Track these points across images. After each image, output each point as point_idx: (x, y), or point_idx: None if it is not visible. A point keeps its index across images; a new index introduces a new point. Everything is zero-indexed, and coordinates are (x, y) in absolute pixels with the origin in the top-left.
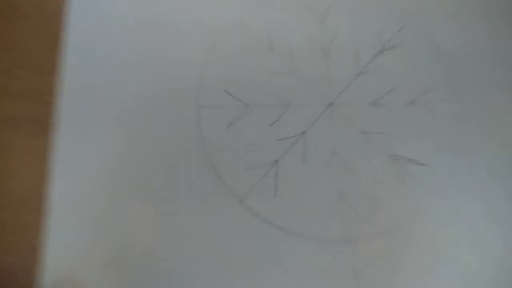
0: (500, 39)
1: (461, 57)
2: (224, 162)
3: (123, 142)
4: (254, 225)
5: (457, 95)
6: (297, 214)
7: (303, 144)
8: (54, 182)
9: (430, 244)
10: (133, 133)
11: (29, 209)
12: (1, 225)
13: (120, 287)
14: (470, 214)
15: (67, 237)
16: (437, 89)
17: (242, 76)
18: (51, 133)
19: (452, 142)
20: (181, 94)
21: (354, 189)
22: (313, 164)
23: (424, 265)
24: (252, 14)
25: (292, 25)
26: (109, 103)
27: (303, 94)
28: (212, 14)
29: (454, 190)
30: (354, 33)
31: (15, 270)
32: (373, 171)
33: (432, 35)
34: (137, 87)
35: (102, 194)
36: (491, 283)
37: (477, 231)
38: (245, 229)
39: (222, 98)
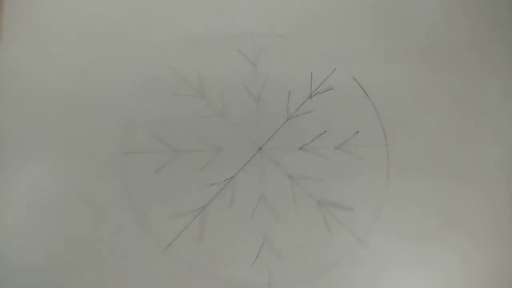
0: (424, 78)
1: (388, 97)
2: (150, 209)
3: (50, 181)
4: (178, 273)
5: (384, 138)
6: (223, 260)
7: (232, 190)
8: None
9: None
10: (59, 172)
11: None
12: None
13: None
14: (395, 259)
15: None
16: (364, 132)
17: (171, 120)
18: None
19: (377, 186)
20: (106, 137)
21: (280, 234)
22: (240, 209)
23: None
24: (183, 58)
25: (224, 69)
26: (34, 139)
27: (233, 139)
28: (144, 57)
29: (378, 235)
30: (285, 77)
31: None
32: (299, 216)
33: (360, 78)
34: (64, 125)
35: (35, 238)
36: None
37: (404, 274)
38: (169, 277)
39: (150, 143)
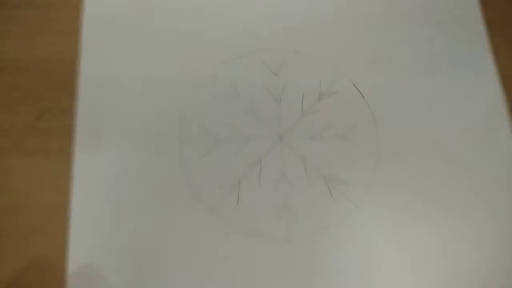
0: (412, 85)
1: (382, 100)
2: (200, 183)
3: (125, 165)
4: (220, 229)
5: (376, 132)
6: (253, 220)
7: (259, 170)
8: (75, 194)
9: (351, 243)
10: (132, 157)
11: (56, 214)
12: (34, 228)
13: (130, 277)
14: (380, 219)
15: (86, 236)
16: (361, 127)
17: (212, 117)
18: (71, 156)
19: (367, 166)
20: (167, 127)
21: (296, 201)
22: (266, 183)
23: (346, 259)
24: (222, 69)
25: (251, 77)
26: (115, 130)
27: (260, 132)
28: (195, 66)
29: (368, 201)
30: (300, 83)
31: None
32: (310, 188)
33: (358, 84)
34: (137, 120)
35: (112, 205)
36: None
37: (388, 231)
38: (214, 232)
39: (199, 133)
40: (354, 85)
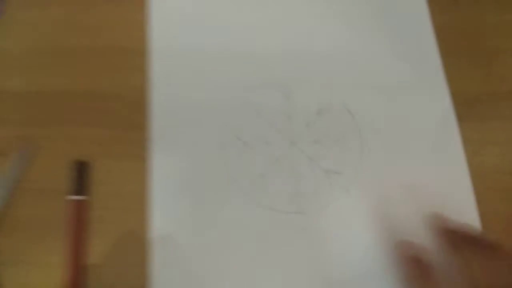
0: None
1: (364, 115)
2: (236, 172)
3: (199, 160)
4: (246, 204)
5: (360, 137)
6: (275, 200)
7: (278, 165)
8: (154, 184)
9: (345, 215)
10: (198, 154)
11: (140, 200)
12: (124, 210)
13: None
14: (364, 198)
15: (164, 214)
16: (349, 134)
17: (245, 129)
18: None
19: (354, 161)
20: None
21: (304, 187)
22: (283, 176)
23: (343, 226)
24: (251, 93)
25: (272, 101)
26: (184, 138)
27: (277, 139)
28: (233, 92)
29: (356, 188)
30: (304, 103)
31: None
32: (314, 178)
33: (349, 103)
34: (201, 126)
35: (182, 190)
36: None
37: (369, 206)
38: (248, 209)
39: (236, 140)
40: (344, 103)
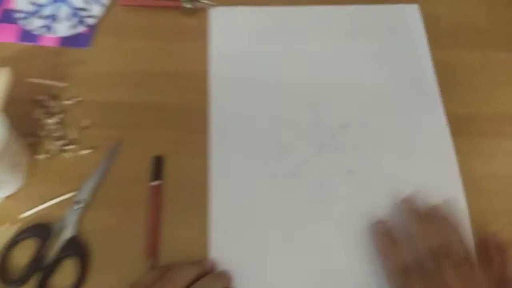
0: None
1: (378, 129)
2: (276, 168)
3: (246, 159)
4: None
5: (373, 148)
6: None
7: (310, 164)
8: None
9: (358, 209)
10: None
11: (201, 187)
12: (190, 196)
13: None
14: (374, 191)
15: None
16: (364, 144)
17: (284, 135)
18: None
19: (368, 165)
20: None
21: (329, 182)
22: (315, 170)
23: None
24: (301, 115)
25: (304, 117)
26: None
27: (309, 145)
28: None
29: (369, 184)
30: (330, 119)
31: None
32: (337, 175)
33: (364, 121)
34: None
35: (239, 180)
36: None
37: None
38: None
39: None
40: (360, 120)
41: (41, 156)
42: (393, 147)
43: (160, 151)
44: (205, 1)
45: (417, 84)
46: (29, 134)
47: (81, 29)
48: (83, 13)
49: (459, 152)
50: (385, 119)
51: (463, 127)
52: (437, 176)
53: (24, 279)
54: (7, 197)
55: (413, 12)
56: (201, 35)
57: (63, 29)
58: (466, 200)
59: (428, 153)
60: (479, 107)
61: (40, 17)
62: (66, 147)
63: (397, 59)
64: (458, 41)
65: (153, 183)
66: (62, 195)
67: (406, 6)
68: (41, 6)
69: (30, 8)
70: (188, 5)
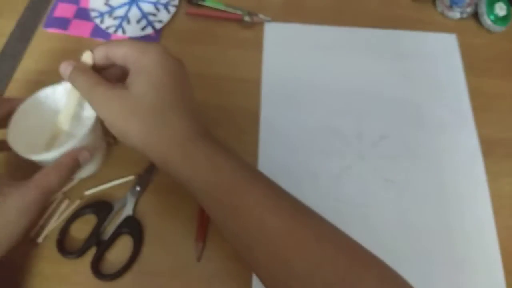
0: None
1: (415, 143)
2: (320, 168)
3: (292, 160)
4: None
5: (410, 160)
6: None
7: (352, 170)
8: None
9: (393, 214)
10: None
11: None
12: None
13: None
14: (408, 200)
15: None
16: (402, 155)
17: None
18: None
19: (404, 175)
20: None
21: (368, 188)
22: (354, 175)
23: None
24: (333, 117)
25: (348, 126)
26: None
27: (353, 154)
28: (325, 120)
29: (405, 193)
30: (372, 130)
31: None
32: (375, 182)
33: (403, 134)
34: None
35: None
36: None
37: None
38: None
39: (330, 158)
40: (399, 133)
41: (109, 140)
42: (427, 161)
43: None
44: (262, 17)
45: (453, 106)
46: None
47: (148, 31)
48: (151, 18)
49: (488, 171)
50: (422, 135)
51: (494, 148)
52: (467, 191)
53: (81, 251)
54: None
55: (451, 41)
56: (256, 46)
57: (133, 30)
58: (494, 217)
59: (460, 169)
60: (508, 132)
61: (113, 17)
62: None
63: (435, 81)
64: (492, 70)
65: None
66: (124, 177)
67: (445, 34)
68: (114, 7)
69: (105, 8)
70: (247, 19)
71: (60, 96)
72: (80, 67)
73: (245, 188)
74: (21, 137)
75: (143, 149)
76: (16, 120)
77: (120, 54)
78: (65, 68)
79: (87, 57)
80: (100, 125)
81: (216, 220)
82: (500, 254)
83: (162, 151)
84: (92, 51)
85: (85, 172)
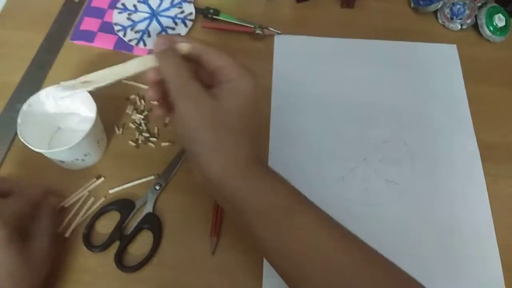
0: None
1: (417, 147)
2: (328, 168)
3: (300, 163)
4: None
5: (412, 162)
6: (352, 191)
7: (355, 172)
8: None
9: (395, 214)
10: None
11: None
12: None
13: None
14: (409, 200)
15: None
16: (404, 158)
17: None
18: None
19: (406, 177)
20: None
21: (371, 188)
22: (358, 178)
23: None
24: (338, 123)
25: (352, 131)
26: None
27: (356, 157)
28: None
29: (407, 194)
30: (375, 134)
31: None
32: (378, 184)
33: (405, 138)
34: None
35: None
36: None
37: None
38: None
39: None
40: (402, 138)
41: (131, 144)
42: (428, 164)
43: None
44: (272, 29)
45: (453, 112)
46: (121, 125)
47: None
48: (170, 31)
49: (487, 173)
50: (422, 139)
51: (492, 152)
52: (466, 192)
53: (105, 245)
54: (101, 179)
55: (451, 51)
56: (267, 56)
57: (153, 42)
58: (492, 218)
59: (459, 172)
60: (507, 137)
61: (135, 30)
62: (150, 139)
63: (436, 90)
64: (490, 78)
65: None
66: (144, 177)
67: (446, 45)
68: (136, 22)
69: (127, 22)
70: (258, 32)
71: (60, 95)
72: (176, 51)
73: (301, 208)
74: (31, 131)
75: (205, 158)
76: (25, 115)
77: (216, 64)
78: (162, 43)
79: (184, 46)
80: (99, 121)
81: (266, 241)
82: (499, 252)
83: (225, 167)
84: (189, 43)
85: (89, 161)
